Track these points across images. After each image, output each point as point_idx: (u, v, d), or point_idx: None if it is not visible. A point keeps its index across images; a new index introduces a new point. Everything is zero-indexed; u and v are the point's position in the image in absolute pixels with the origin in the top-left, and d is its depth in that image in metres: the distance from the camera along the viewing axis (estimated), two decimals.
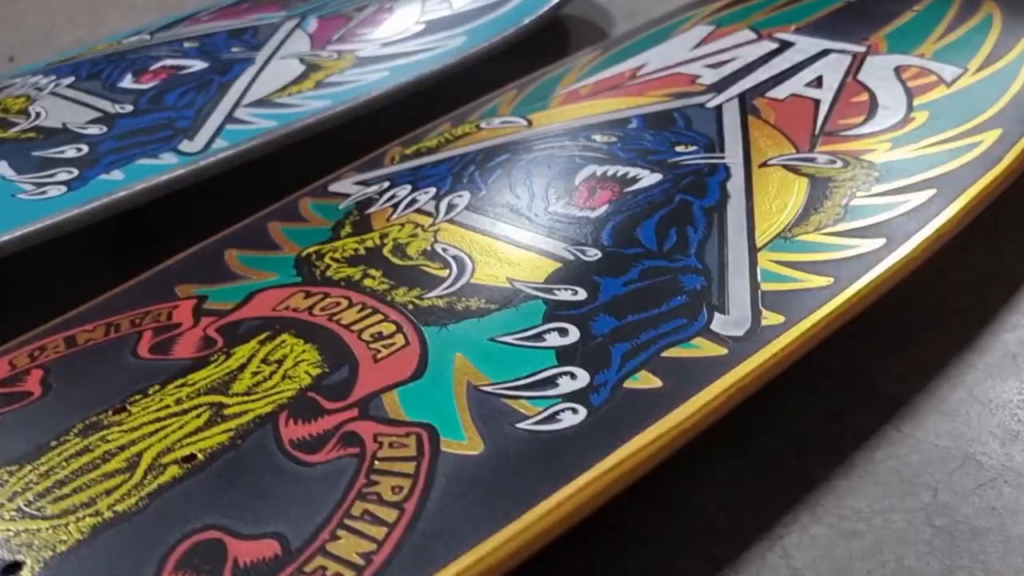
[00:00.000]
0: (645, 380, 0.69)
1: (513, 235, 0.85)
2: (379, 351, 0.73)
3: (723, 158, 0.93)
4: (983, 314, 0.90)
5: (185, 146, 1.18)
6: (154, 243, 1.17)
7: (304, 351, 0.74)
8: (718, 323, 0.73)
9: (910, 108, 0.99)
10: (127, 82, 1.34)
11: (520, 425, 0.66)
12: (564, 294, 0.77)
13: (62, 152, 1.17)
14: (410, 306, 0.78)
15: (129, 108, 1.26)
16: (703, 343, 0.72)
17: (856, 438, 0.78)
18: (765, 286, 0.77)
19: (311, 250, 0.88)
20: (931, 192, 0.86)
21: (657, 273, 0.79)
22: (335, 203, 0.97)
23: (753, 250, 0.80)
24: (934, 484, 0.73)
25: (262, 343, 0.76)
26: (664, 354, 0.71)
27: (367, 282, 0.82)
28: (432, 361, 0.71)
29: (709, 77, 1.10)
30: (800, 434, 0.79)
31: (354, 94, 1.28)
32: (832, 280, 0.77)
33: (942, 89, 1.03)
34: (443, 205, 0.92)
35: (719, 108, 1.03)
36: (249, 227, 0.95)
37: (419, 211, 0.91)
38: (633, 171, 0.93)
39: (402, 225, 0.89)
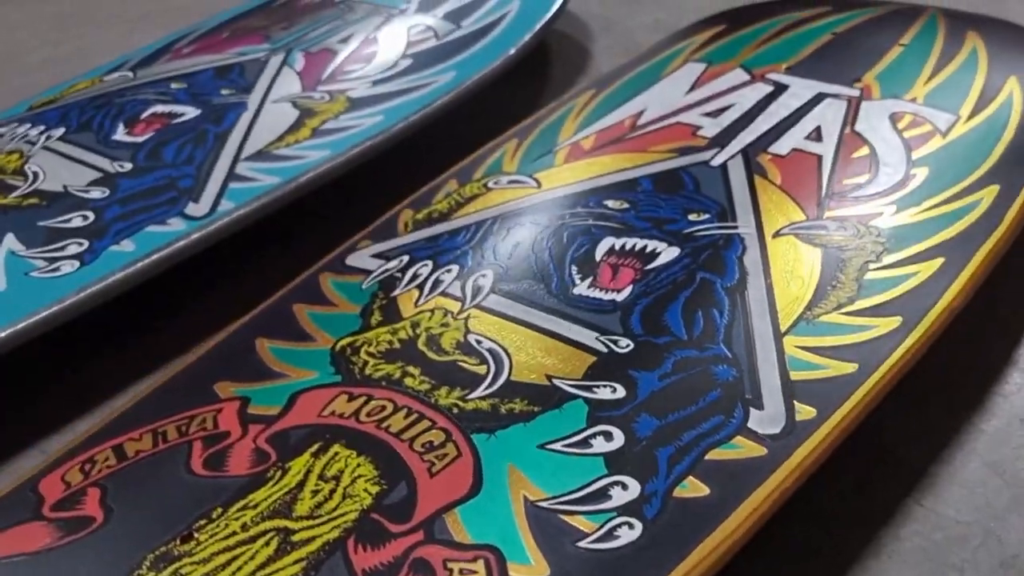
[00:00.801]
0: (693, 488, 0.73)
1: (543, 323, 0.89)
2: (433, 463, 0.77)
3: (736, 228, 0.97)
4: (986, 371, 0.95)
5: (191, 209, 1.19)
6: (165, 314, 1.18)
7: (359, 465, 0.77)
8: (755, 420, 0.78)
9: (910, 164, 1.04)
10: (120, 134, 1.34)
11: (581, 544, 0.70)
12: (604, 392, 0.81)
13: (68, 221, 1.18)
14: (455, 409, 0.81)
15: (128, 166, 1.26)
16: (743, 443, 0.76)
17: (881, 513, 0.83)
18: (794, 375, 0.81)
19: (345, 342, 0.90)
20: (939, 262, 0.91)
21: (690, 365, 0.83)
22: (357, 282, 0.99)
23: (778, 335, 0.85)
24: (960, 564, 0.79)
25: (315, 455, 0.79)
26: (707, 457, 0.75)
27: (408, 381, 0.85)
28: (487, 474, 0.75)
29: (709, 128, 1.14)
30: (826, 510, 0.84)
31: (352, 142, 1.30)
32: (856, 367, 0.81)
33: (938, 140, 1.07)
34: (468, 288, 0.94)
35: (724, 167, 1.06)
36: (275, 312, 0.98)
37: (445, 294, 0.94)
38: (651, 244, 0.96)
39: (431, 312, 0.92)
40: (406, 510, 0.73)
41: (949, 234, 0.94)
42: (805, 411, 0.78)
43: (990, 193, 0.99)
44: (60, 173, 1.26)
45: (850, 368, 0.81)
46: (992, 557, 0.79)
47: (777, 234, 0.96)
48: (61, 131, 1.37)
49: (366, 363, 0.87)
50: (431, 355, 0.87)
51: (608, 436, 0.77)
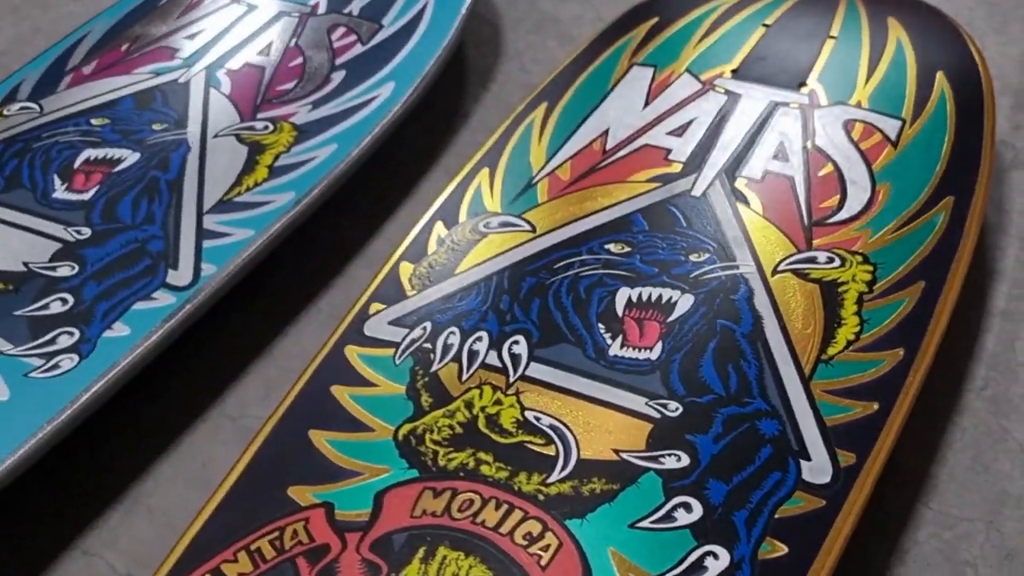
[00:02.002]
0: (773, 548, 0.86)
1: (590, 391, 0.99)
2: (540, 556, 0.87)
3: (738, 267, 1.09)
4: (959, 372, 1.12)
5: (173, 278, 1.20)
6: (167, 399, 1.20)
7: (472, 567, 0.86)
8: (807, 472, 0.91)
9: (873, 181, 1.17)
10: (60, 190, 1.31)
11: None
12: (670, 461, 0.92)
13: (46, 307, 1.17)
14: (540, 496, 0.91)
15: (86, 231, 1.25)
16: (803, 496, 0.89)
17: (896, 521, 1.00)
18: (828, 421, 0.95)
19: (405, 430, 0.98)
20: (920, 285, 1.06)
21: (737, 422, 0.95)
22: (388, 356, 1.06)
23: (805, 381, 0.98)
24: (972, 560, 0.97)
25: (424, 561, 0.87)
26: (777, 515, 0.88)
27: (484, 469, 0.93)
28: (593, 561, 0.86)
29: (679, 150, 1.23)
30: None
31: (313, 179, 1.32)
32: (877, 405, 0.96)
33: (891, 151, 1.21)
34: (506, 357, 1.03)
35: (707, 197, 1.17)
36: (314, 396, 1.03)
37: (486, 367, 1.02)
38: (665, 293, 1.07)
39: (479, 389, 1.00)
40: None
41: (922, 255, 1.09)
42: (846, 456, 0.92)
43: (947, 205, 1.14)
44: (12, 246, 1.24)
45: (873, 407, 0.96)
46: (997, 550, 0.97)
47: (775, 271, 1.08)
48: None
49: (436, 453, 0.95)
50: (496, 438, 0.96)
51: (688, 507, 0.89)
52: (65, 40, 1.60)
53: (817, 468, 0.92)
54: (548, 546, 0.88)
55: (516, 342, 1.04)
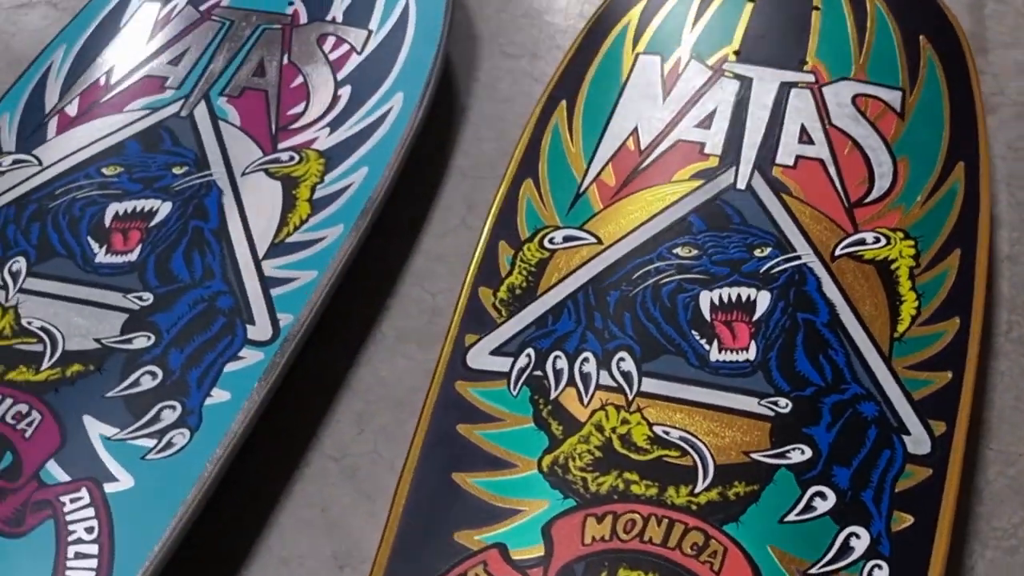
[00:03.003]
0: (901, 520, 1.02)
1: (706, 399, 1.11)
2: (711, 562, 1.00)
3: (799, 257, 1.22)
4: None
5: (254, 333, 1.25)
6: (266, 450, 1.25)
7: None
8: (911, 445, 1.07)
9: (892, 156, 1.32)
10: (101, 254, 1.32)
11: None
12: (795, 455, 1.07)
13: (138, 384, 1.20)
14: (692, 507, 1.04)
15: (147, 296, 1.27)
16: (913, 469, 1.05)
17: (969, 464, 1.18)
18: (916, 395, 1.11)
19: (547, 461, 1.09)
20: (957, 254, 1.22)
21: (842, 409, 1.10)
22: (501, 389, 1.15)
23: (887, 361, 1.13)
24: None
25: None
26: (897, 490, 1.04)
27: (635, 489, 1.06)
28: (759, 560, 1.00)
29: (711, 143, 1.35)
30: None
31: (357, 208, 1.37)
32: (950, 374, 1.12)
33: (900, 123, 1.35)
34: (617, 375, 1.14)
35: (753, 190, 1.29)
36: (444, 437, 1.12)
37: (602, 387, 1.13)
38: (744, 292, 1.20)
39: (603, 411, 1.12)
40: None
41: (951, 224, 1.25)
42: (937, 426, 1.08)
43: (960, 172, 1.30)
44: (76, 322, 1.25)
45: (948, 376, 1.12)
46: None
47: (834, 257, 1.22)
48: (18, 263, 1.32)
49: (585, 479, 1.07)
50: (635, 456, 1.08)
51: (823, 496, 1.04)
52: (31, 72, 1.57)
53: (917, 441, 1.07)
54: (715, 552, 1.01)
55: (622, 359, 1.16)
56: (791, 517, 1.03)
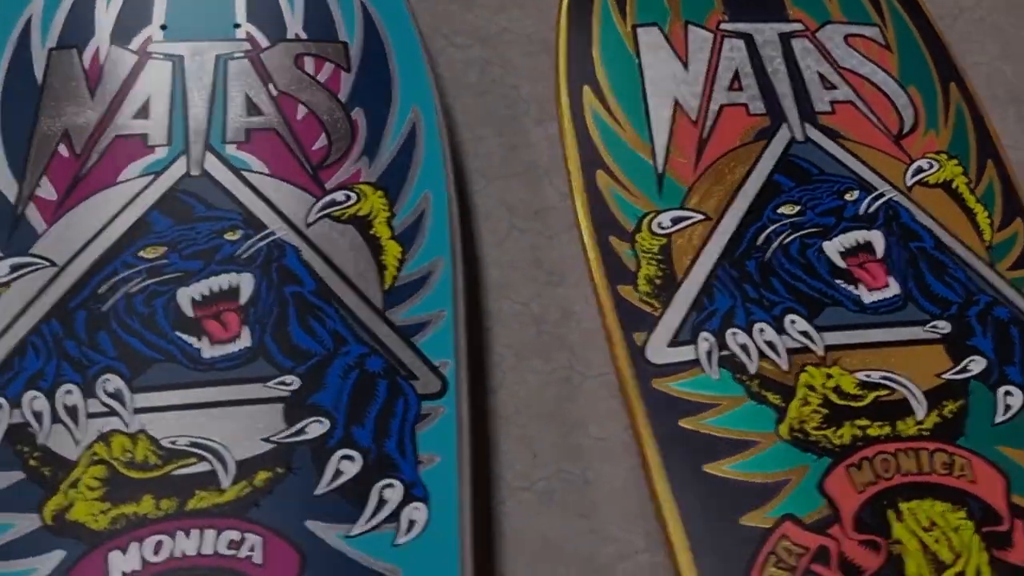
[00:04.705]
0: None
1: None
2: (963, 474, 1.17)
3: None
4: None
5: (423, 387, 1.23)
6: None
7: (939, 508, 1.15)
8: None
9: (903, 89, 1.52)
10: (207, 348, 1.22)
11: None
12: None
13: (342, 474, 1.14)
14: (925, 433, 1.20)
15: (291, 380, 1.21)
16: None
17: None
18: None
19: (783, 430, 1.20)
20: (990, 164, 1.45)
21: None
22: (702, 376, 1.23)
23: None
24: None
25: (901, 520, 1.14)
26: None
27: (871, 431, 1.19)
28: (999, 462, 1.18)
29: (751, 102, 1.48)
30: None
31: (443, 232, 1.36)
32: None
33: (893, 56, 1.56)
34: (795, 333, 1.26)
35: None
36: (673, 438, 1.19)
37: (792, 351, 1.25)
38: (859, 235, 1.35)
39: (804, 371, 1.24)
40: (995, 516, 1.15)
41: (972, 142, 1.48)
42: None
43: (956, 94, 1.53)
44: (231, 429, 1.17)
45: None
46: None
47: (910, 188, 1.41)
48: (114, 382, 1.18)
49: (826, 436, 1.19)
50: (853, 404, 1.22)
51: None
52: None
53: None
54: (963, 466, 1.18)
55: (792, 320, 1.28)
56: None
